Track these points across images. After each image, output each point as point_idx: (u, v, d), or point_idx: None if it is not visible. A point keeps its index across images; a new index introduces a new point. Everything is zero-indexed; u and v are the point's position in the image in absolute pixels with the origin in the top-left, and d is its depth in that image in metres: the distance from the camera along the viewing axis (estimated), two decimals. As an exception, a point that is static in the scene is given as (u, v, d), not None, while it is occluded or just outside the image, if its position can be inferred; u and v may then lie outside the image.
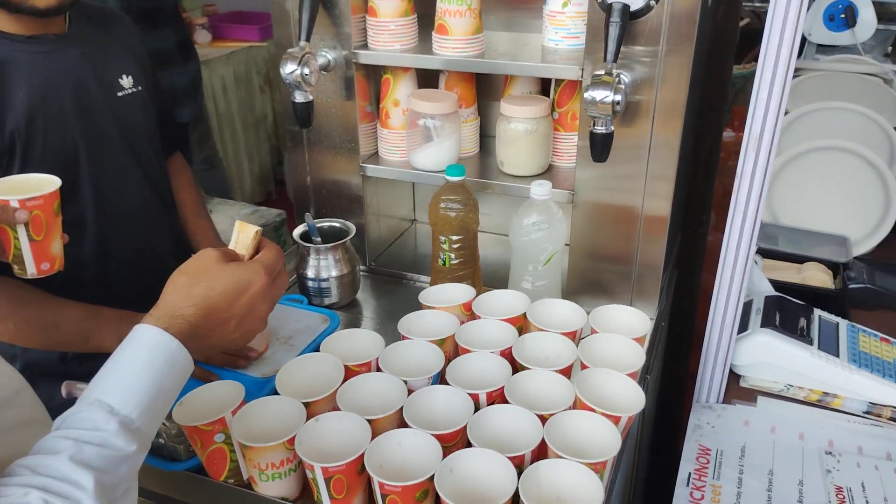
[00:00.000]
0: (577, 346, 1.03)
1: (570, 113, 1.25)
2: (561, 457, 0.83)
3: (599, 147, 1.07)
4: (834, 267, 1.43)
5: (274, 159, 3.85)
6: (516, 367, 1.00)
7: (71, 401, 1.00)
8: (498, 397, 0.94)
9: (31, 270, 0.91)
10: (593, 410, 0.89)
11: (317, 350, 1.07)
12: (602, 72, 1.02)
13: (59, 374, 1.07)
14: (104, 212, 1.18)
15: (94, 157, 1.15)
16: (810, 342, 1.16)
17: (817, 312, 1.24)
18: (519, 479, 0.80)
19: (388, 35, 1.26)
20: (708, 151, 1.61)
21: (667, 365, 1.66)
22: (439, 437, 0.86)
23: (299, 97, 1.20)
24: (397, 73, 1.31)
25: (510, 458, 0.82)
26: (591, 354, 1.00)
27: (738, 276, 1.09)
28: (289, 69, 1.16)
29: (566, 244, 1.25)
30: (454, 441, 0.88)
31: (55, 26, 1.12)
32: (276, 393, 0.96)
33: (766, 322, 1.19)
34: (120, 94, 1.19)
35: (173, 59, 2.51)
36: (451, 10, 1.19)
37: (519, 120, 1.22)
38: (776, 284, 1.34)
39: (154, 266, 1.28)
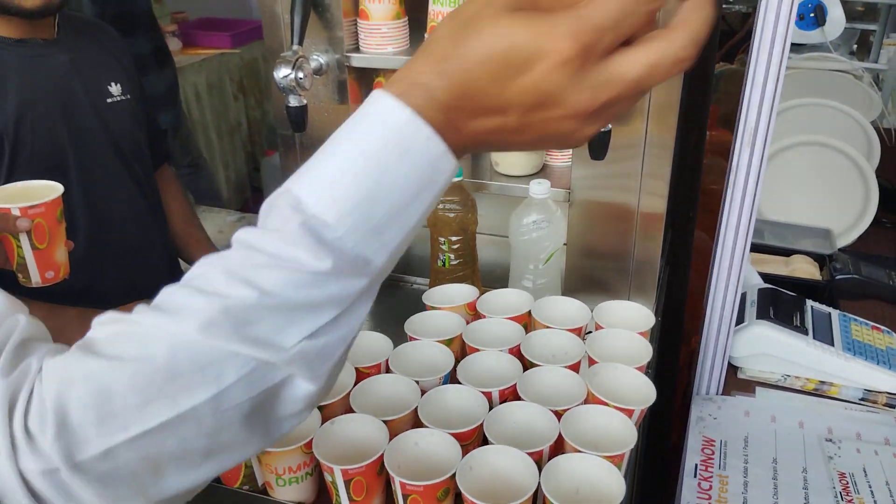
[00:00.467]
0: (583, 341, 1.04)
1: (563, 112, 1.26)
2: (579, 451, 0.83)
3: (597, 146, 1.09)
4: (820, 259, 1.47)
5: (249, 166, 3.82)
6: (525, 365, 1.00)
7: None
8: (511, 394, 0.95)
9: (36, 279, 0.90)
10: (606, 404, 0.91)
11: None
12: (601, 71, 1.03)
13: None
14: (94, 217, 1.16)
15: (83, 163, 1.14)
16: (805, 332, 1.18)
17: (809, 303, 1.27)
18: (540, 474, 0.80)
19: (379, 38, 1.26)
20: (693, 149, 1.64)
21: (659, 358, 1.68)
22: (456, 436, 0.86)
23: (293, 101, 1.20)
24: (389, 76, 1.31)
25: (529, 454, 0.83)
26: (598, 349, 1.02)
27: (735, 269, 1.11)
28: (282, 73, 1.15)
29: (564, 243, 1.26)
30: (471, 439, 0.89)
31: (44, 31, 1.11)
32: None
33: (762, 314, 1.21)
34: (109, 101, 1.18)
35: (150, 66, 2.49)
36: (444, 13, 1.19)
37: (514, 120, 1.23)
38: (766, 277, 1.37)
39: (145, 272, 1.27)
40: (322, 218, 0.46)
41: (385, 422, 0.88)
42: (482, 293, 1.17)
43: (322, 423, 0.89)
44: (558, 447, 0.87)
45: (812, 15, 2.40)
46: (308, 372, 0.49)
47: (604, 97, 0.45)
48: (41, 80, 1.09)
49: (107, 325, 0.49)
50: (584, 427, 0.88)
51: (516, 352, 1.03)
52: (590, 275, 1.28)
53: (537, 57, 0.43)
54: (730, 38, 2.79)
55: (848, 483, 1.01)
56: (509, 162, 1.28)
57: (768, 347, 1.18)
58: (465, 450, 0.85)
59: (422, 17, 1.24)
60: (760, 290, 1.28)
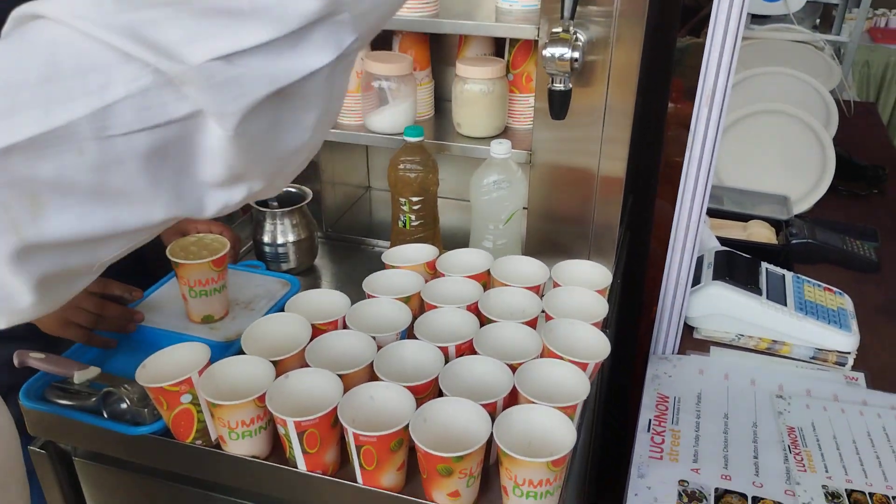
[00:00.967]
0: (541, 299, 1.05)
1: (524, 74, 1.26)
2: (533, 402, 0.84)
3: (558, 105, 1.09)
4: (776, 224, 1.49)
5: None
6: (483, 321, 1.01)
7: (24, 369, 0.97)
8: (467, 349, 0.95)
9: None
10: (561, 358, 0.91)
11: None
12: (560, 29, 1.03)
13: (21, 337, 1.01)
14: None
15: None
16: (759, 293, 1.21)
17: (764, 265, 1.29)
18: (493, 425, 0.81)
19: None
20: (655, 119, 1.65)
21: (619, 322, 1.70)
22: (411, 389, 0.87)
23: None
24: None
25: (483, 406, 0.84)
26: (555, 306, 1.02)
27: (691, 232, 1.12)
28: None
29: (524, 207, 1.27)
30: (426, 392, 0.89)
31: None
32: (241, 354, 0.95)
33: (718, 275, 1.23)
34: None
35: None
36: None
37: (475, 81, 1.23)
38: (724, 241, 1.39)
39: None
40: None
41: (340, 376, 0.88)
42: (445, 252, 1.17)
43: (276, 378, 0.89)
44: (513, 400, 0.88)
45: (776, -13, 2.42)
46: (215, 103, 0.39)
47: None
48: None
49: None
50: (538, 380, 0.89)
51: (474, 309, 1.03)
52: (550, 238, 1.29)
53: None
54: (695, 13, 2.80)
55: (797, 437, 1.04)
56: (472, 123, 1.28)
57: (723, 307, 1.20)
58: (421, 403, 0.85)
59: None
60: (717, 253, 1.30)
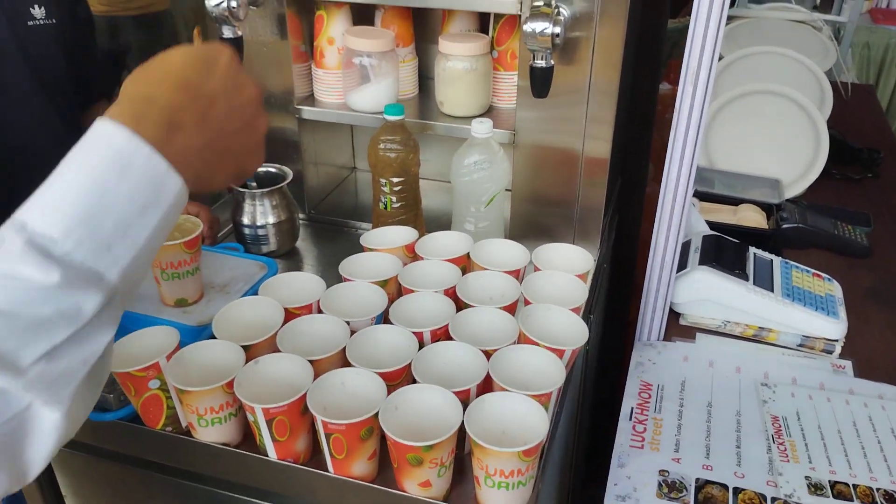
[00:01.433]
0: (520, 283, 1.02)
1: (509, 51, 1.23)
2: (506, 390, 0.82)
3: (539, 82, 1.05)
4: (767, 208, 1.47)
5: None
6: (460, 306, 0.98)
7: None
8: (443, 335, 0.93)
9: None
10: (537, 344, 0.89)
11: None
12: (541, 3, 1.00)
13: None
14: (6, 145, 1.11)
15: None
16: (746, 278, 1.18)
17: (752, 250, 1.26)
18: (465, 413, 0.79)
19: (320, -31, 1.21)
20: (646, 99, 1.62)
21: (609, 309, 1.68)
22: (383, 376, 0.84)
23: (227, 33, 1.15)
24: (331, 9, 1.26)
25: (455, 394, 0.81)
26: (534, 291, 1.00)
27: (676, 215, 1.09)
28: (214, 2, 1.10)
29: (507, 189, 1.24)
30: (399, 379, 0.87)
31: None
32: (213, 339, 0.93)
33: (704, 260, 1.20)
34: (30, 23, 1.11)
35: None
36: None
37: (458, 58, 1.19)
38: (713, 225, 1.36)
39: None
40: (48, 234, 0.49)
41: (311, 361, 0.86)
42: (425, 235, 1.15)
43: (246, 363, 0.86)
44: (487, 387, 0.86)
45: (774, -34, 2.37)
46: (50, 396, 0.49)
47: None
48: None
49: None
50: (513, 367, 0.86)
51: (452, 294, 1.01)
52: (534, 220, 1.26)
53: (217, 53, 0.60)
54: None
55: (781, 426, 1.02)
56: (455, 102, 1.25)
57: (709, 293, 1.18)
58: (394, 390, 0.83)
59: (364, -51, 1.20)
60: (705, 238, 1.27)
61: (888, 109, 3.34)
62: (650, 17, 1.44)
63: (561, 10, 1.05)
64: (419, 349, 0.90)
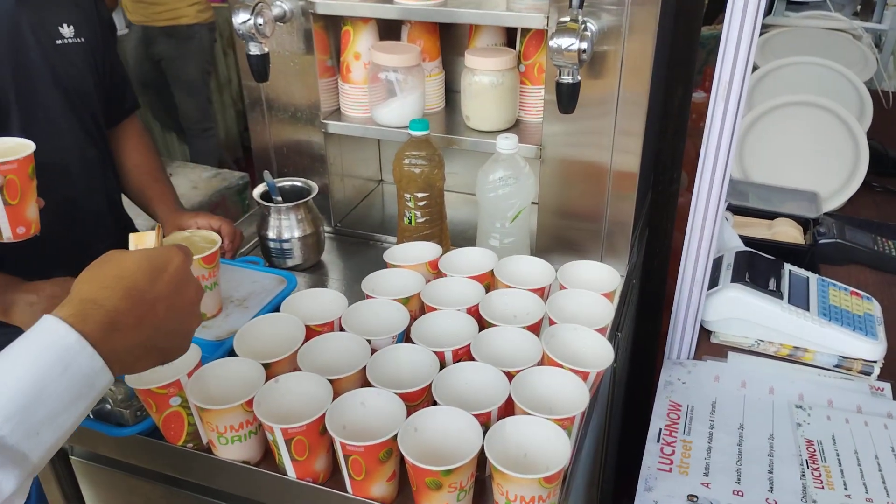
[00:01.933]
0: (545, 302, 1.00)
1: (536, 65, 1.22)
2: (528, 413, 0.80)
3: (566, 98, 1.04)
4: (804, 223, 1.42)
5: (241, 125, 3.77)
6: (483, 325, 0.97)
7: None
8: (464, 355, 0.92)
9: (7, 234, 0.91)
10: (561, 366, 0.87)
11: (274, 312, 1.04)
12: (567, 18, 0.99)
13: None
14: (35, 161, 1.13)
15: (25, 105, 1.09)
16: (780, 296, 1.14)
17: (787, 267, 1.22)
18: (485, 436, 0.77)
19: (347, -16, 1.21)
20: (677, 108, 1.59)
21: (639, 325, 1.65)
22: (403, 396, 0.83)
23: (254, 49, 1.15)
24: (357, 24, 1.26)
25: (476, 416, 0.80)
26: (559, 310, 0.98)
27: (707, 230, 1.07)
28: (241, 18, 1.11)
29: (534, 202, 1.22)
30: (419, 400, 0.86)
31: None
32: (232, 355, 0.92)
33: (737, 277, 1.17)
34: (59, 42, 1.13)
35: None
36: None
37: (484, 72, 1.18)
38: (747, 241, 1.32)
39: (87, 223, 1.23)
40: None
41: (331, 381, 0.85)
42: (449, 251, 1.13)
43: (266, 381, 0.86)
44: (509, 409, 0.84)
45: (812, -27, 2.32)
46: None
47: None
48: None
49: None
50: (536, 389, 0.84)
51: (475, 312, 0.99)
52: (561, 235, 1.24)
53: (168, 259, 0.68)
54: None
55: (815, 451, 0.98)
56: (481, 116, 1.24)
57: (741, 311, 1.14)
58: (414, 411, 0.82)
59: (391, -36, 1.19)
60: (738, 254, 1.24)
61: (933, 118, 3.24)
62: (683, 26, 1.41)
63: (588, 25, 1.03)
64: (440, 369, 0.88)
